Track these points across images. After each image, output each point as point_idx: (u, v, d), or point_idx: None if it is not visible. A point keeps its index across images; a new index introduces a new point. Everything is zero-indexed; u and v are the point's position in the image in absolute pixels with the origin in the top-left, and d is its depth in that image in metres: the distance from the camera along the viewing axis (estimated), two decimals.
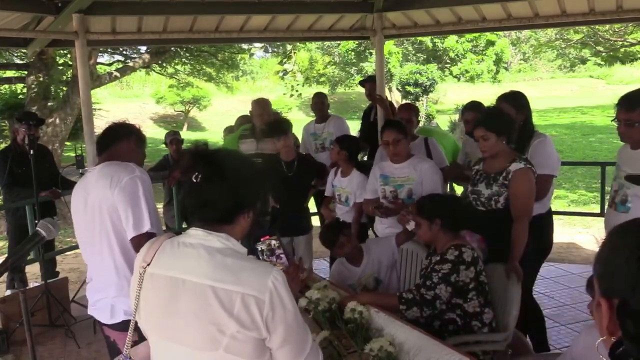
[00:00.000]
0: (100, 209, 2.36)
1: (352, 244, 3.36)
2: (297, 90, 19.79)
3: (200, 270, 1.42)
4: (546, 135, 3.47)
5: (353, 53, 23.27)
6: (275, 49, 15.85)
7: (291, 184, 4.21)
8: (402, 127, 3.65)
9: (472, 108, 4.17)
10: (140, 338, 1.65)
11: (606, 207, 3.20)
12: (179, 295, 1.43)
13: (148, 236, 2.16)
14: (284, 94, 21.75)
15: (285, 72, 20.83)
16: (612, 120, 2.98)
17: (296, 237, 4.39)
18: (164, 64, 12.02)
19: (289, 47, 16.94)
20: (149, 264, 1.51)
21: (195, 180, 1.46)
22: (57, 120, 8.95)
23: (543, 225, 3.42)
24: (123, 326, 2.31)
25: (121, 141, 2.50)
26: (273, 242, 1.92)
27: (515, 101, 3.45)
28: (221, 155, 1.53)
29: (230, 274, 1.40)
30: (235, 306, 1.37)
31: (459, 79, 25.89)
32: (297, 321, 1.46)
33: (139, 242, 2.24)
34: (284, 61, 19.28)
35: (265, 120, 4.71)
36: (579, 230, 6.91)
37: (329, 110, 5.77)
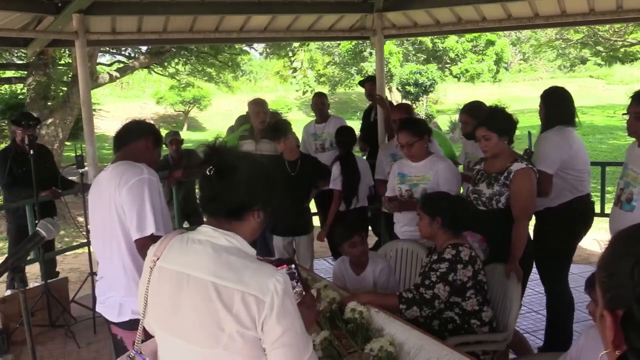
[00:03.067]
0: (110, 208, 2.38)
1: (364, 248, 3.23)
2: (309, 86, 19.77)
3: (205, 267, 1.44)
4: (554, 130, 3.39)
5: (353, 53, 23.27)
6: (277, 52, 15.79)
7: (294, 184, 4.21)
8: (419, 127, 3.55)
9: (469, 110, 4.14)
10: (147, 337, 1.67)
11: (612, 205, 3.20)
12: (183, 289, 1.45)
13: (152, 239, 2.18)
14: (297, 90, 21.75)
15: (295, 70, 20.84)
16: (622, 114, 3.00)
17: (297, 237, 4.39)
18: (165, 64, 12.01)
19: (295, 44, 16.89)
20: (158, 258, 1.54)
21: (208, 174, 1.49)
22: (57, 120, 8.93)
23: (560, 218, 3.40)
24: (130, 325, 2.33)
25: (138, 140, 2.52)
26: (293, 267, 1.91)
27: (548, 99, 3.52)
28: (235, 152, 1.59)
29: (233, 272, 1.41)
30: (235, 304, 1.38)
31: (459, 79, 25.86)
32: (296, 326, 1.43)
33: (142, 244, 2.25)
34: (292, 59, 19.24)
35: (261, 120, 4.73)
36: None
37: (329, 111, 5.77)
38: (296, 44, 16.90)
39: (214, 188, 1.50)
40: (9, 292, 4.61)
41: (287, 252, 4.38)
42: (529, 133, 4.00)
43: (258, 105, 4.87)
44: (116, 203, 2.35)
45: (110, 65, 12.11)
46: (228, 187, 1.49)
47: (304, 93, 20.12)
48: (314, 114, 5.83)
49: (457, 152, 4.92)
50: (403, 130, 3.55)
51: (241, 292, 1.38)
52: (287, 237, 4.39)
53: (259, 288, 1.39)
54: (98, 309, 2.61)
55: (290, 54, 18.23)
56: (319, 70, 26.26)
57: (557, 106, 3.47)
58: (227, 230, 1.50)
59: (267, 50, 15.71)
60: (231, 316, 1.38)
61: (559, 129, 3.39)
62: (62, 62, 11.13)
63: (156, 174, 2.46)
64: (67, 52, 10.54)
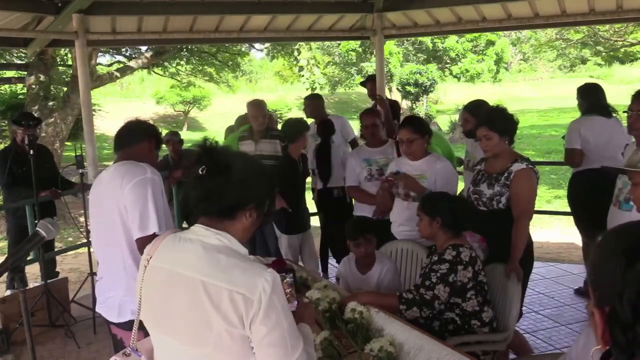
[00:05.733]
0: (112, 208, 2.38)
1: (367, 250, 3.18)
2: (318, 84, 19.76)
3: (194, 265, 1.44)
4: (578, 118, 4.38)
5: (354, 53, 23.27)
6: (281, 51, 15.74)
7: (301, 182, 4.32)
8: (421, 126, 3.56)
9: (471, 109, 4.13)
10: (146, 335, 1.67)
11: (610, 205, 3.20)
12: (173, 288, 1.46)
13: (154, 238, 2.17)
14: (307, 89, 21.77)
15: (302, 69, 20.86)
16: (623, 112, 3.01)
17: (304, 232, 4.46)
18: (165, 64, 12.01)
19: (299, 44, 16.91)
20: (152, 257, 1.55)
21: (200, 173, 1.50)
22: (57, 120, 8.93)
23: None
24: (130, 325, 2.32)
25: (141, 142, 2.53)
26: (288, 279, 1.91)
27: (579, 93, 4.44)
28: (227, 151, 1.58)
29: (221, 271, 1.41)
30: (223, 303, 1.38)
31: (459, 79, 25.89)
32: (284, 325, 1.41)
33: (143, 243, 2.25)
34: (298, 58, 19.26)
35: (260, 122, 4.67)
36: None
37: (328, 111, 5.77)
38: (299, 43, 16.92)
39: (206, 187, 1.50)
40: (9, 292, 4.61)
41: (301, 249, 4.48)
42: None
43: (256, 108, 4.75)
44: (119, 202, 2.35)
45: (110, 65, 12.10)
46: (219, 185, 1.49)
47: (312, 90, 20.16)
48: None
49: (457, 152, 4.92)
50: (405, 126, 3.56)
51: (229, 290, 1.38)
52: (299, 235, 4.43)
53: (247, 287, 1.38)
54: (98, 309, 2.61)
55: (296, 53, 18.25)
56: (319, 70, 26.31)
57: (582, 99, 4.36)
58: (220, 229, 1.50)
59: (273, 52, 15.64)
60: (219, 315, 1.37)
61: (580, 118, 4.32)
62: (62, 63, 11.11)
63: (159, 174, 2.46)
64: (68, 53, 10.53)
